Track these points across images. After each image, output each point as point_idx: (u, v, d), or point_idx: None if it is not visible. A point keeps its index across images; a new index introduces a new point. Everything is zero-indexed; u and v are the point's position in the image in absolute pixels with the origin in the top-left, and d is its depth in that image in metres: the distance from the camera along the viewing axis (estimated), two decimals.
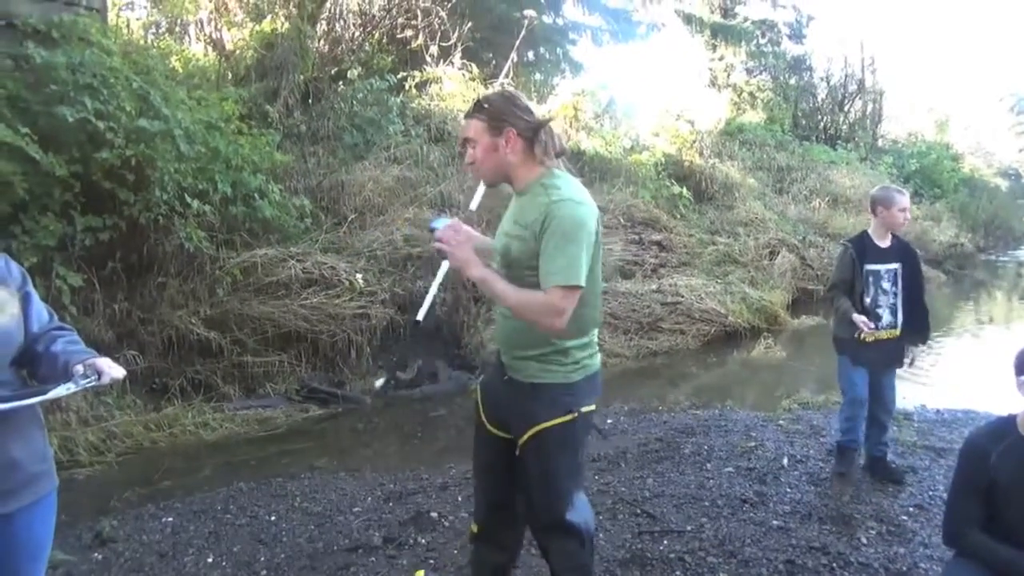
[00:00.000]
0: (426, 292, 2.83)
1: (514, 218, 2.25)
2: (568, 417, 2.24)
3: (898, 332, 4.17)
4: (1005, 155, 31.70)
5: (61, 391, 1.68)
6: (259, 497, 4.23)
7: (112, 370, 1.73)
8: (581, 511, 2.37)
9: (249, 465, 4.99)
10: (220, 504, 4.12)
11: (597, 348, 2.38)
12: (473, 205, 2.68)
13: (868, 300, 4.11)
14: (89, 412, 5.29)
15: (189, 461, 5.07)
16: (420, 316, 2.72)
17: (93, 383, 1.70)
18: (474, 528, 2.62)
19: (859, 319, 3.94)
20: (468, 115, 2.26)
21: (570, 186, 2.18)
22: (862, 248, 4.17)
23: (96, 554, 3.50)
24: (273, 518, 3.88)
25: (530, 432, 2.26)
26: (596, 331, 2.36)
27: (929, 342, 4.57)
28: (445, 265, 2.56)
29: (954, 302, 12.36)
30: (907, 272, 4.20)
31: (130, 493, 4.41)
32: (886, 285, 4.14)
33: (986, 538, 2.35)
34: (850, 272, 4.13)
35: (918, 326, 4.25)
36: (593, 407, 2.35)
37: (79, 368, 1.71)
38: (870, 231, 4.24)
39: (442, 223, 2.31)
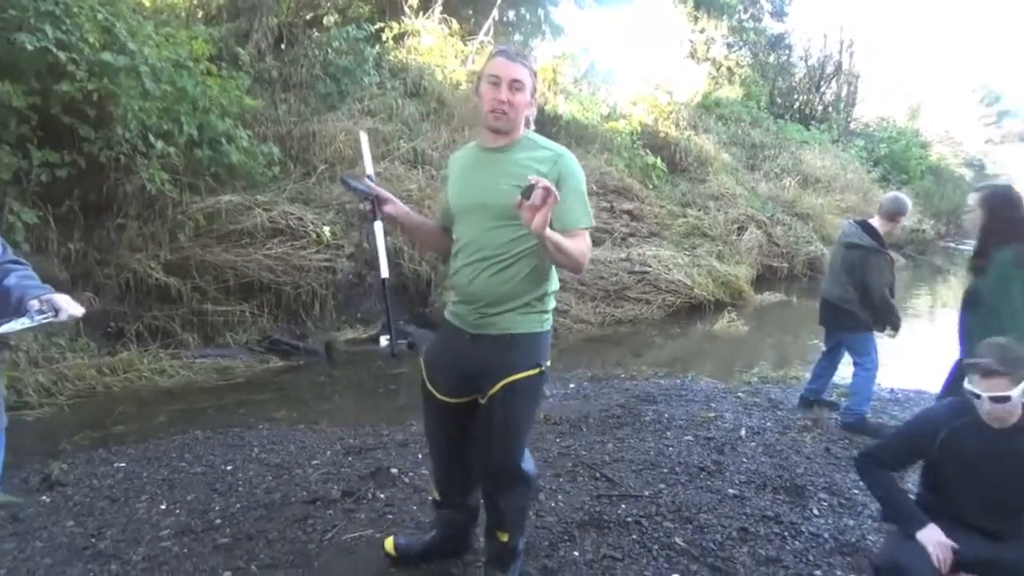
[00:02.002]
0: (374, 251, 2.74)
1: (508, 170, 2.28)
2: (537, 371, 2.38)
3: None
4: (972, 145, 32.20)
5: (15, 325, 1.59)
6: (215, 446, 4.17)
7: (70, 307, 1.65)
8: (529, 460, 2.56)
9: (206, 414, 4.92)
10: (175, 452, 4.06)
11: None
12: (370, 170, 2.67)
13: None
14: (40, 353, 5.16)
15: (143, 407, 4.98)
16: (385, 274, 2.65)
17: (49, 319, 1.62)
18: (436, 495, 2.74)
19: None
20: (522, 64, 2.29)
21: (555, 143, 2.42)
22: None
23: (44, 497, 3.42)
24: (230, 468, 3.83)
25: (502, 383, 2.34)
26: None
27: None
28: (378, 225, 2.53)
29: (911, 286, 12.61)
30: None
31: (81, 437, 4.33)
32: None
33: (878, 470, 2.57)
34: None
35: None
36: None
37: (35, 304, 1.62)
38: (880, 229, 4.63)
39: (358, 184, 2.43)
